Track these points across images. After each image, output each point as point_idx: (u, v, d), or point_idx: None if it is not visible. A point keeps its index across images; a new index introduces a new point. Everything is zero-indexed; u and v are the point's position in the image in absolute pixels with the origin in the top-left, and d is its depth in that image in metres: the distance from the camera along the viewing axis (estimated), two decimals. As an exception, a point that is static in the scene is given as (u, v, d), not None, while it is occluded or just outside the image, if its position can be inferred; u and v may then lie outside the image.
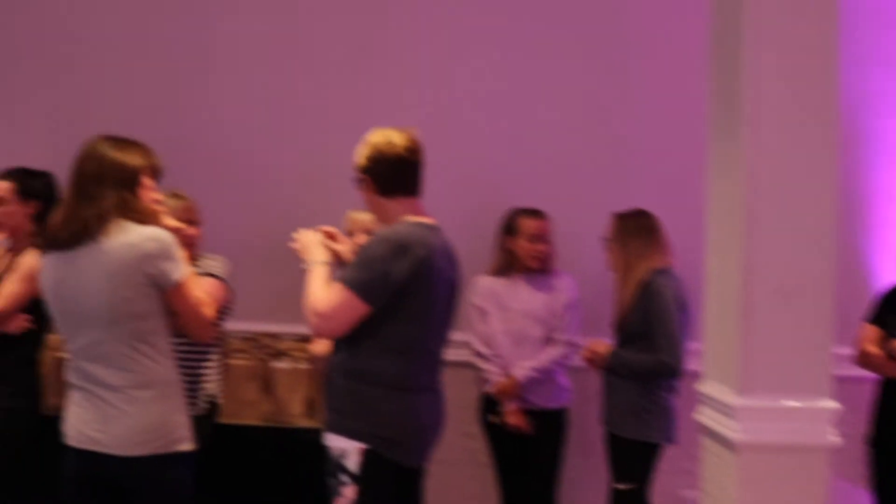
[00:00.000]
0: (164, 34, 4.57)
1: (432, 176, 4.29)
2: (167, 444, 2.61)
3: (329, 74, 4.53)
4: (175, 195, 3.67)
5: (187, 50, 4.57)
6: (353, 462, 2.79)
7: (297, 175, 4.44)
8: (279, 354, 3.92)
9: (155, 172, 2.77)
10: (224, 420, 3.73)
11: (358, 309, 2.77)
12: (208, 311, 2.77)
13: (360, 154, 2.93)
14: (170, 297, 2.64)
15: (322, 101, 4.50)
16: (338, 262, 3.00)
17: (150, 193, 2.74)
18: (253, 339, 4.09)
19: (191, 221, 3.67)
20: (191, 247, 3.65)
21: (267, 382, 3.84)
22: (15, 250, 3.56)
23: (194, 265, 3.64)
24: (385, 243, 2.78)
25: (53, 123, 4.34)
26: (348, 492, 2.80)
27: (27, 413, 3.43)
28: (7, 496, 3.41)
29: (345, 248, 3.06)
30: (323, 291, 2.82)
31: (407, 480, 2.90)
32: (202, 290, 2.81)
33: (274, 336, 4.11)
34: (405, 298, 2.78)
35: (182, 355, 3.46)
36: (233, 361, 3.85)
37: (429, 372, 2.91)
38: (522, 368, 3.92)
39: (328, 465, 2.85)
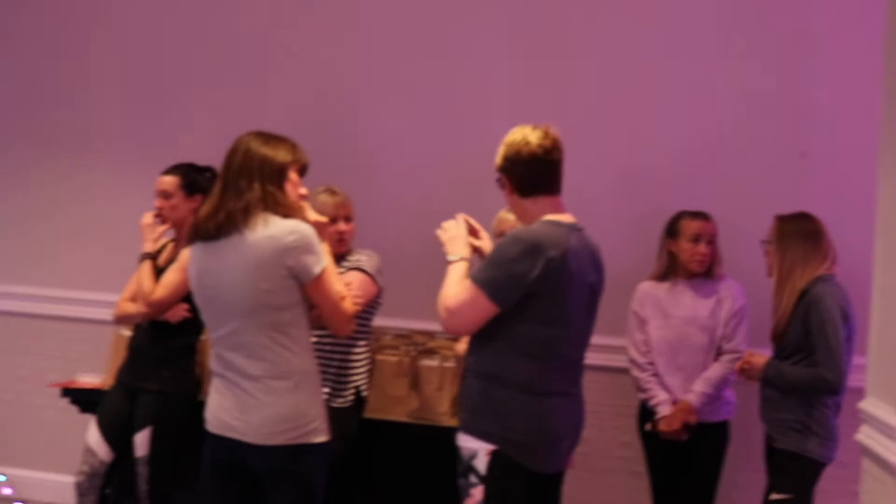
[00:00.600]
0: (324, 40, 4.71)
1: (593, 178, 4.28)
2: (302, 435, 2.67)
3: (484, 77, 4.54)
4: (330, 191, 3.77)
5: (346, 54, 4.70)
6: (482, 463, 2.78)
7: (452, 175, 4.48)
8: (429, 352, 3.94)
9: (301, 168, 2.85)
10: (371, 415, 3.79)
11: (485, 308, 2.74)
12: (348, 304, 2.83)
13: (499, 153, 2.91)
14: (309, 290, 2.70)
15: (478, 103, 4.52)
16: (479, 258, 2.99)
17: (296, 188, 2.82)
18: (406, 336, 4.14)
19: (346, 217, 3.76)
20: (344, 242, 3.74)
21: (415, 379, 3.87)
22: (179, 242, 3.76)
23: (346, 260, 3.73)
24: (517, 243, 2.75)
25: (221, 121, 4.54)
26: (476, 493, 2.79)
27: (184, 398, 3.61)
28: (167, 478, 3.60)
29: (486, 244, 3.05)
30: (455, 287, 2.82)
31: (539, 486, 2.85)
32: (343, 285, 2.87)
33: (427, 334, 4.14)
34: (537, 300, 2.74)
35: (329, 348, 3.59)
36: (382, 357, 3.90)
37: (564, 376, 2.85)
38: (695, 394, 3.79)
39: (459, 466, 2.85)
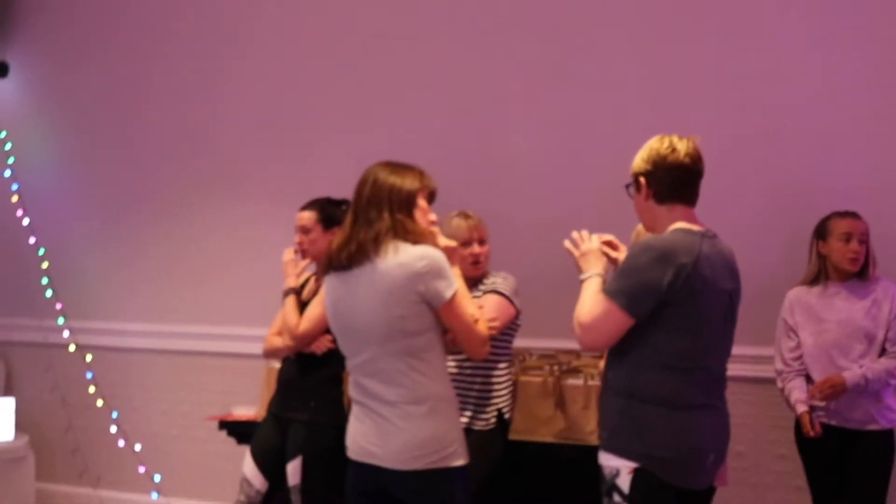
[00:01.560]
0: (459, 65, 4.80)
1: (737, 185, 4.19)
2: (441, 459, 2.71)
3: (619, 91, 4.52)
4: (464, 215, 3.83)
5: (474, 76, 4.77)
6: (625, 482, 2.73)
7: (586, 189, 4.47)
8: (573, 371, 3.93)
9: (430, 194, 2.91)
10: (516, 437, 3.80)
11: (620, 320, 2.72)
12: (482, 327, 2.86)
13: (640, 157, 2.88)
14: (442, 315, 2.75)
15: (609, 114, 4.50)
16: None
17: (426, 214, 2.89)
18: (551, 356, 4.14)
19: (480, 240, 3.81)
20: (479, 265, 3.79)
21: (560, 399, 3.86)
22: (320, 276, 3.87)
23: (482, 283, 3.78)
24: (648, 251, 2.72)
25: (355, 152, 4.68)
26: (621, 512, 2.76)
27: (332, 427, 3.70)
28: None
29: (623, 256, 3.03)
30: (589, 303, 2.82)
31: (685, 502, 2.80)
32: (476, 308, 2.91)
33: (573, 352, 4.14)
34: (671, 309, 2.69)
35: (470, 371, 3.64)
36: (526, 378, 3.91)
37: (705, 389, 2.79)
38: (853, 372, 3.66)
39: (602, 485, 2.82)
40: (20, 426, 5.70)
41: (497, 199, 4.56)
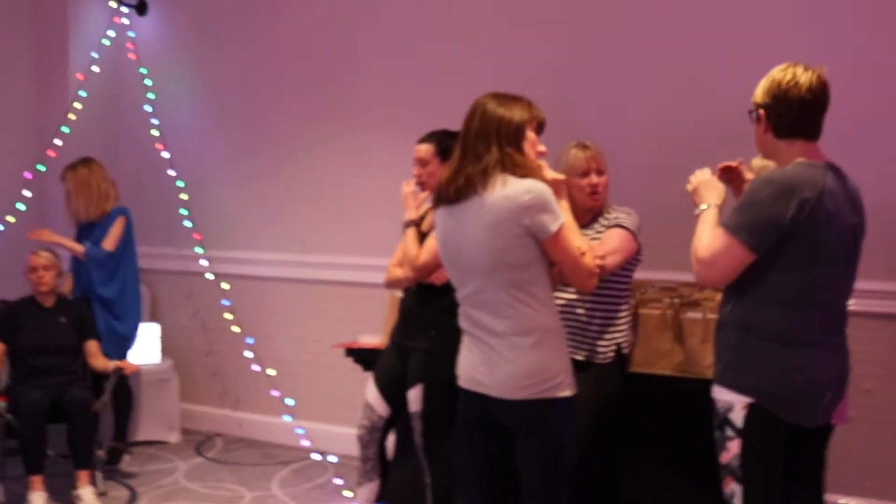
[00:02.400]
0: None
1: (867, 118, 4.02)
2: (546, 390, 2.75)
3: (741, 16, 4.35)
4: (581, 145, 3.81)
5: (599, 4, 4.68)
6: (738, 417, 2.73)
7: (709, 119, 4.35)
8: (693, 304, 3.89)
9: (538, 125, 2.90)
10: (635, 369, 3.81)
11: (739, 255, 2.68)
12: (589, 260, 2.86)
13: (761, 87, 2.81)
14: (548, 248, 2.76)
15: (735, 44, 4.36)
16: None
17: (534, 146, 2.89)
18: (672, 289, 4.11)
19: (598, 170, 3.78)
20: (598, 195, 3.77)
21: (679, 332, 3.83)
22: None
23: (603, 218, 3.76)
24: (770, 185, 2.66)
25: (475, 82, 4.69)
26: (733, 446, 2.75)
27: (451, 355, 3.78)
28: (439, 432, 3.80)
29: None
30: (707, 237, 2.79)
31: (800, 440, 2.77)
32: (584, 241, 2.91)
33: (694, 286, 4.08)
34: (792, 244, 2.65)
35: (590, 305, 3.65)
36: (646, 311, 3.89)
37: (824, 325, 2.73)
38: None
39: (715, 419, 2.82)
40: (165, 350, 6.04)
41: (617, 128, 4.51)
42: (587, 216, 3.83)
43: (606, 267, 3.50)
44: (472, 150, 2.82)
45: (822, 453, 2.88)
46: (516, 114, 2.83)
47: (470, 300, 2.85)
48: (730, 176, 3.07)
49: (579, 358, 3.65)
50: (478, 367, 2.84)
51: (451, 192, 2.83)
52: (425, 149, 3.89)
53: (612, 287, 3.66)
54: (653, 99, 4.54)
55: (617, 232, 3.64)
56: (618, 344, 3.72)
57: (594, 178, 3.77)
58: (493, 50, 4.95)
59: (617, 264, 3.54)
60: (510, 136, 2.81)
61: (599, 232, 3.76)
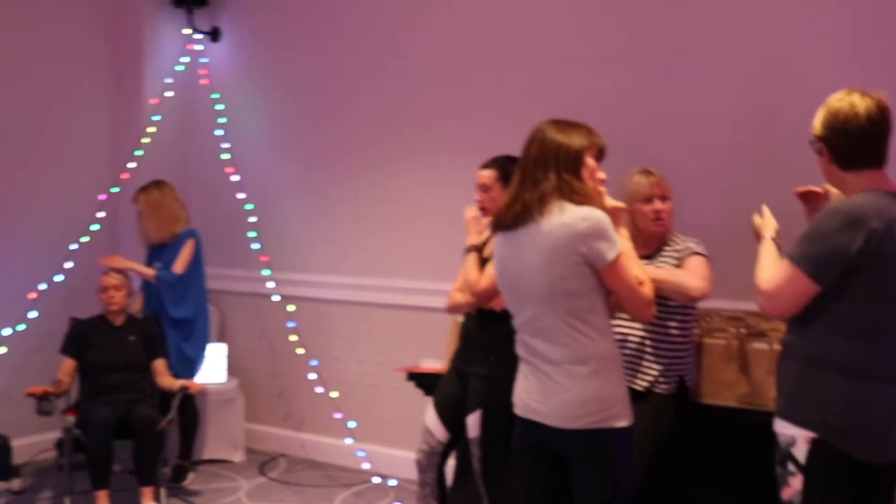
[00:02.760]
0: (640, 16, 4.71)
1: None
2: (602, 420, 2.72)
3: (814, 41, 4.28)
4: (646, 171, 3.81)
5: (661, 29, 4.65)
6: (801, 451, 2.67)
7: (775, 146, 4.28)
8: (759, 334, 3.82)
9: (598, 152, 2.89)
10: (700, 400, 3.75)
11: (805, 287, 2.63)
12: (647, 289, 2.83)
13: (819, 118, 2.76)
14: (604, 276, 2.74)
15: (801, 68, 4.27)
16: None
17: (593, 173, 2.87)
18: (737, 319, 4.04)
19: (662, 196, 3.78)
20: (662, 222, 3.76)
21: (744, 363, 3.76)
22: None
23: (668, 246, 3.74)
24: (836, 216, 2.62)
25: (535, 109, 4.70)
26: (795, 482, 2.69)
27: (508, 382, 3.76)
28: (498, 458, 3.79)
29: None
30: (771, 268, 2.75)
31: (867, 478, 2.68)
32: (642, 270, 2.88)
33: (760, 315, 4.00)
34: (859, 275, 2.59)
35: (652, 333, 3.61)
36: (711, 340, 3.83)
37: (891, 359, 2.66)
38: None
39: (777, 453, 2.76)
40: (232, 370, 6.12)
41: (681, 154, 4.45)
42: (653, 244, 3.81)
43: (707, 292, 3.56)
44: (530, 177, 2.82)
45: (891, 492, 2.79)
46: (575, 140, 2.82)
47: (526, 327, 2.84)
48: (810, 199, 3.05)
49: (640, 388, 3.61)
50: (533, 395, 2.82)
51: (509, 218, 2.84)
52: (488, 174, 3.90)
53: (675, 316, 3.62)
54: (718, 125, 4.48)
55: (700, 260, 3.67)
56: (680, 374, 3.67)
57: (658, 205, 3.76)
58: (561, 74, 4.94)
59: (710, 291, 3.58)
60: (568, 163, 2.80)
61: (666, 261, 3.73)
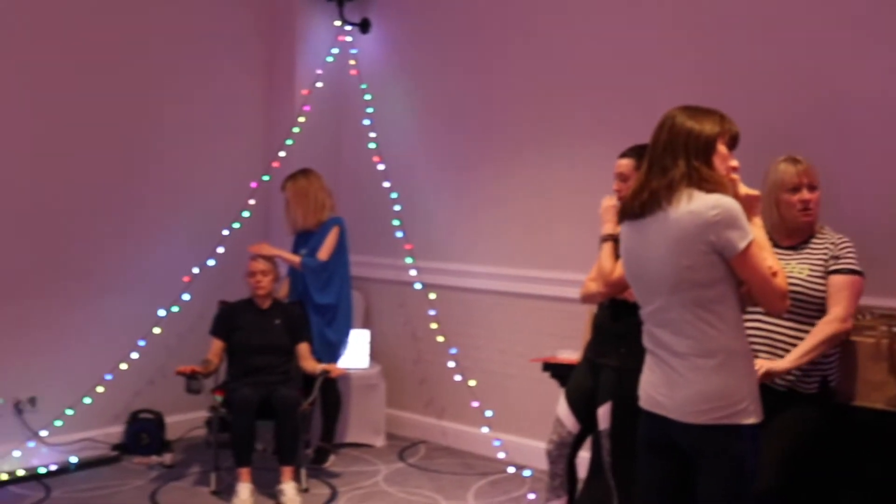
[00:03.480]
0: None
1: None
2: (728, 416, 2.63)
3: None
4: (792, 159, 3.71)
5: (823, 11, 4.45)
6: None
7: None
8: (912, 333, 3.62)
9: (731, 139, 2.80)
10: (844, 401, 3.58)
11: None
12: (781, 280, 2.73)
13: None
14: (735, 266, 2.65)
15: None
16: None
17: (725, 161, 2.79)
18: (889, 317, 3.83)
19: (809, 186, 3.66)
20: (809, 212, 3.64)
21: (894, 364, 3.57)
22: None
23: (815, 236, 3.62)
24: None
25: (680, 96, 4.60)
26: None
27: (637, 374, 3.70)
28: (627, 451, 3.73)
29: None
30: None
31: None
32: (776, 260, 2.78)
33: (914, 313, 3.81)
34: None
35: (794, 331, 3.48)
36: (859, 339, 3.64)
37: None
38: None
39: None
40: (375, 356, 6.25)
41: (833, 143, 4.25)
42: (798, 235, 3.68)
43: (849, 330, 3.50)
44: (658, 164, 2.76)
45: None
46: (706, 126, 2.74)
47: (653, 318, 2.78)
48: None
49: (780, 387, 3.49)
50: (658, 388, 2.76)
51: (636, 207, 2.78)
52: (626, 163, 3.84)
53: (819, 312, 3.48)
54: (874, 112, 4.25)
55: (848, 281, 3.54)
56: (823, 374, 3.52)
57: (805, 194, 3.63)
58: (702, 60, 4.80)
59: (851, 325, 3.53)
60: (699, 150, 2.72)
61: (812, 254, 3.60)
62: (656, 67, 5.02)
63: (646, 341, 2.86)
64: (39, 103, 5.32)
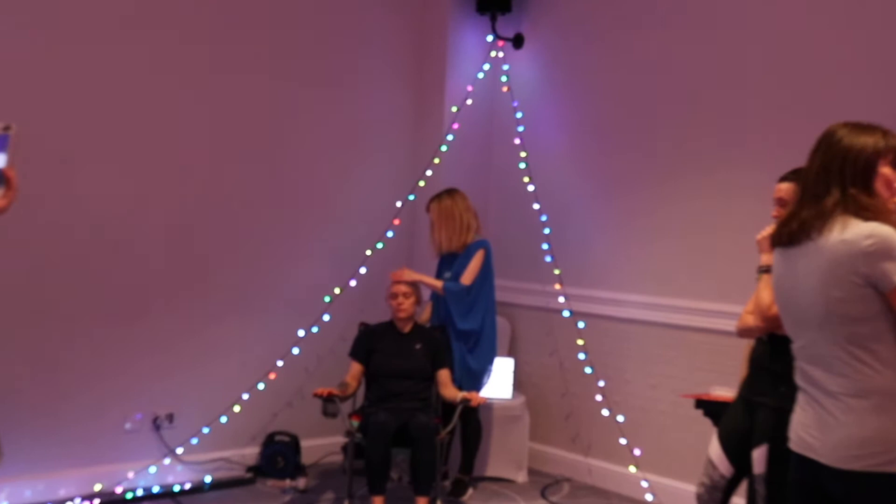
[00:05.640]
0: None
1: None
2: (885, 463, 2.54)
3: None
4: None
5: None
6: None
7: None
8: None
9: None
10: None
11: None
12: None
13: None
14: (892, 301, 2.56)
15: None
16: None
17: (890, 184, 2.69)
18: None
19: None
20: None
21: None
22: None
23: None
24: None
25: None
26: None
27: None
28: (784, 498, 3.63)
29: None
30: None
31: None
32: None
33: None
34: None
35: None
36: None
37: None
38: None
39: None
40: (519, 386, 6.29)
41: None
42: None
43: None
44: (811, 191, 2.70)
45: None
46: (868, 146, 2.65)
47: (804, 353, 2.72)
48: None
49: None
50: (809, 429, 2.70)
51: (785, 236, 2.74)
52: (786, 187, 3.76)
53: None
54: None
55: None
56: None
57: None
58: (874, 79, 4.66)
59: None
60: (856, 175, 2.64)
61: None
62: (833, 88, 4.88)
63: (798, 378, 2.80)
64: (186, 117, 5.59)
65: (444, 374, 5.36)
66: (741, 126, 5.32)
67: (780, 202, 3.78)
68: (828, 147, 2.70)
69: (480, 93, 6.57)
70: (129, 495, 5.27)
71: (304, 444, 5.92)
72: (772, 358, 3.75)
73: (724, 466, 3.86)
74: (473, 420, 5.66)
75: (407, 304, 5.39)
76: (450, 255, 5.76)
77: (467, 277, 5.61)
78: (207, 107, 5.67)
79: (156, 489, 5.39)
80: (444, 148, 6.35)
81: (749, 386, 3.87)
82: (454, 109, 6.44)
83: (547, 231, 6.22)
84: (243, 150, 5.84)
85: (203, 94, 5.64)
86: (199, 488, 5.53)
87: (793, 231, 2.69)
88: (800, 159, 3.80)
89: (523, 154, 6.42)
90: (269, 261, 5.97)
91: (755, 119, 5.25)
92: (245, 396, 5.74)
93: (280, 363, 5.84)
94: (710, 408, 4.46)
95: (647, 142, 5.82)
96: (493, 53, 6.61)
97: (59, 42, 5.08)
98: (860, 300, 2.56)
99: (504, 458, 6.01)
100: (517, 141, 6.46)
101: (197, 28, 5.62)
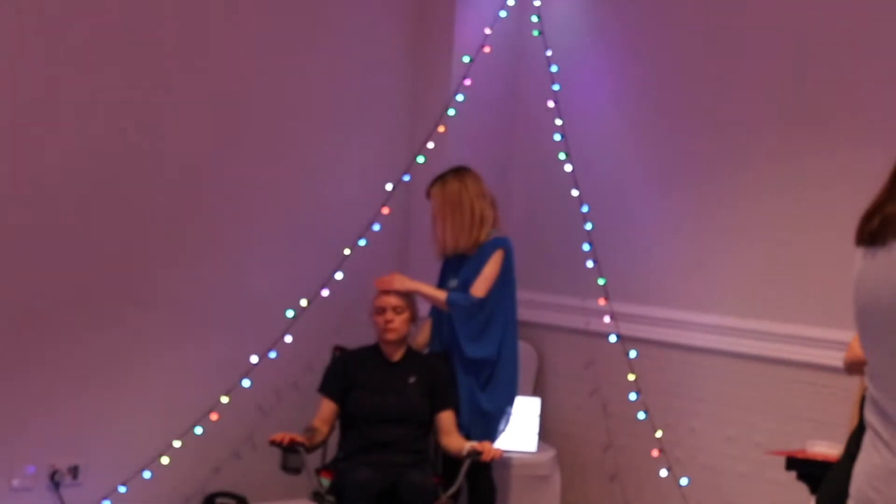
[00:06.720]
0: None
1: None
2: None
3: None
4: None
5: None
6: None
7: None
8: None
9: None
10: None
11: None
12: None
13: None
14: None
15: None
16: None
17: None
18: None
19: None
20: None
21: None
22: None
23: None
24: None
25: None
26: None
27: None
28: None
29: None
30: None
31: None
32: None
33: None
34: None
35: None
36: None
37: None
38: None
39: None
40: (547, 436, 6.28)
41: None
42: None
43: None
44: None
45: None
46: None
47: (873, 375, 2.73)
48: None
49: None
50: (872, 480, 2.69)
51: (866, 235, 2.76)
52: None
53: None
54: None
55: None
56: None
57: None
58: None
59: None
60: None
61: None
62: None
63: (867, 412, 2.80)
64: (112, 95, 5.58)
65: (446, 418, 5.36)
66: (859, 98, 5.31)
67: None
68: None
69: (502, 39, 6.56)
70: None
71: (256, 509, 5.94)
72: (891, 402, 3.75)
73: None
74: (485, 480, 5.63)
75: (398, 321, 5.38)
76: (457, 258, 5.75)
77: (480, 287, 5.59)
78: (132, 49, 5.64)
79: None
80: (451, 112, 6.35)
81: (860, 440, 3.87)
82: (466, 60, 6.43)
83: (589, 226, 6.21)
84: (177, 109, 5.79)
85: (123, 38, 5.62)
86: (111, 570, 5.54)
87: (873, 229, 2.72)
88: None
89: (559, 122, 6.41)
90: (213, 262, 5.96)
91: (876, 88, 5.24)
92: (176, 444, 5.74)
93: (225, 399, 5.83)
94: (806, 468, 4.48)
95: (721, 118, 5.82)
96: (519, -14, 6.62)
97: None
98: None
99: (526, 531, 6.03)
100: (550, 104, 6.45)
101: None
